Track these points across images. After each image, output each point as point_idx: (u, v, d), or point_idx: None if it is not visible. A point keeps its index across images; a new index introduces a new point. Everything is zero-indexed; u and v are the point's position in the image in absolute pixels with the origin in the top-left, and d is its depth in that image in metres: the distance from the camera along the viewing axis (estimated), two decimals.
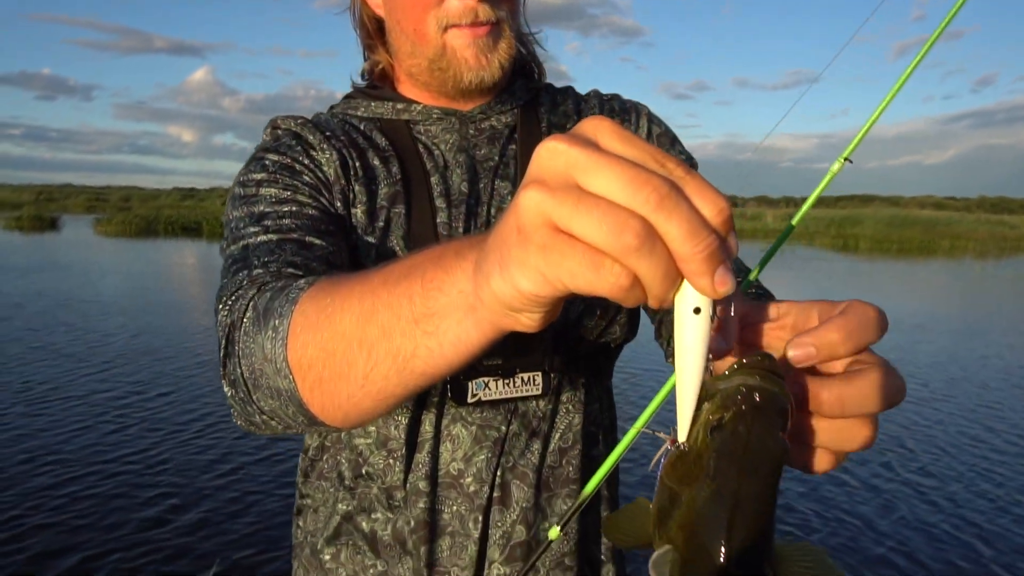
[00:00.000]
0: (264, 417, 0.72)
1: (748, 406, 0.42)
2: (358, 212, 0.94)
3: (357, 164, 0.96)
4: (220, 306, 0.76)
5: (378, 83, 1.05)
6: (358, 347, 0.57)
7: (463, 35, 0.92)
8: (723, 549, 0.41)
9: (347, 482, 0.99)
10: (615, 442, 1.11)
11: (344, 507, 0.99)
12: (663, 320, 1.03)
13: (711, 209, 0.38)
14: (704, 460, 0.42)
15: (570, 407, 1.00)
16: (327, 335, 0.59)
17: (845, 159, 0.62)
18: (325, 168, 0.94)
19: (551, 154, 0.39)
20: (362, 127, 1.01)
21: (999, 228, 36.79)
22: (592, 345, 1.00)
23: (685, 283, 0.39)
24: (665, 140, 1.08)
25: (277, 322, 0.65)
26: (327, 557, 1.00)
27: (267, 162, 0.92)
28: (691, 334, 0.41)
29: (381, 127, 1.01)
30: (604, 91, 1.11)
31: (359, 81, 1.08)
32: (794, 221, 0.60)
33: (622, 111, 1.08)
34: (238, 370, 0.70)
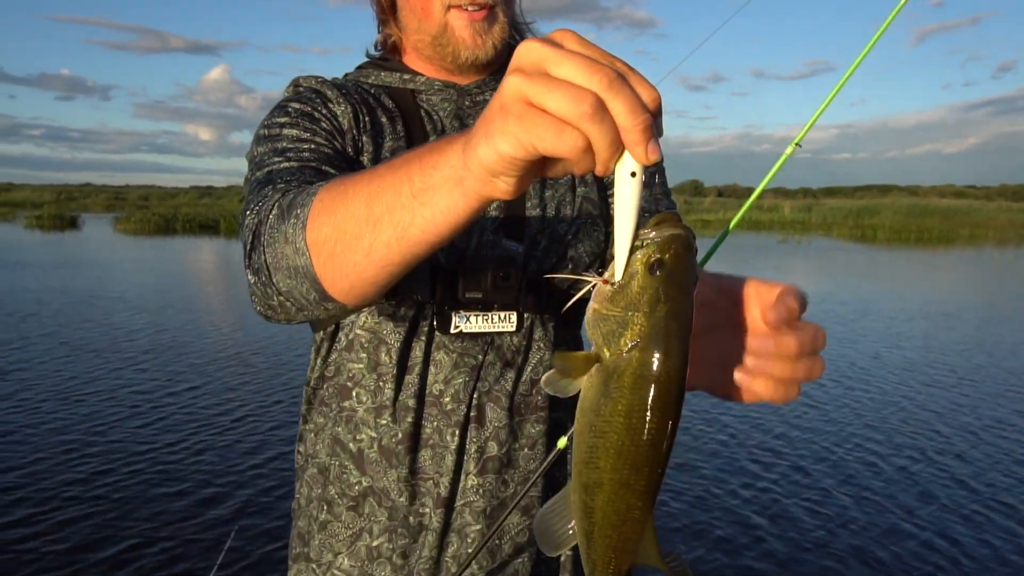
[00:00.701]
0: (280, 299, 0.82)
1: (682, 247, 0.55)
2: (364, 160, 1.07)
3: (367, 119, 1.09)
4: (248, 212, 0.87)
5: (388, 55, 1.20)
6: (365, 223, 0.67)
7: (462, 17, 1.07)
8: (682, 348, 0.55)
9: (338, 404, 1.11)
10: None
11: (335, 428, 1.11)
12: None
13: (647, 95, 0.50)
14: (652, 289, 0.54)
15: (541, 345, 1.12)
16: (340, 215, 0.70)
17: (796, 144, 0.71)
18: (340, 118, 1.07)
19: (527, 50, 0.51)
20: (372, 91, 1.15)
21: (1020, 216, 36.29)
22: (564, 295, 1.10)
23: (625, 153, 0.51)
24: None
25: (299, 211, 0.76)
26: (321, 476, 1.13)
27: (290, 109, 1.05)
28: (627, 193, 0.52)
29: (389, 93, 1.15)
30: None
31: (373, 52, 1.22)
32: (743, 209, 0.67)
33: None
34: (262, 257, 0.81)
